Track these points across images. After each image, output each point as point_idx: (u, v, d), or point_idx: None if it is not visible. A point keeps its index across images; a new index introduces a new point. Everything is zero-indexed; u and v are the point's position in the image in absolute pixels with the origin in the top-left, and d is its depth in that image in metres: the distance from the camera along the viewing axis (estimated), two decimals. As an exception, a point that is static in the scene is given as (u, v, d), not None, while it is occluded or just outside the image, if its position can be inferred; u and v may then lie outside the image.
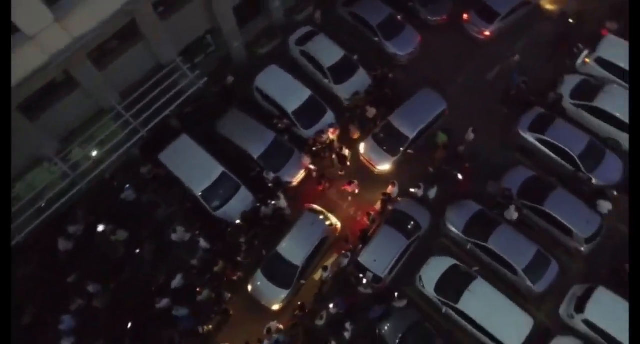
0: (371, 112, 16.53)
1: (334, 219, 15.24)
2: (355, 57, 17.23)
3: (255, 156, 15.43)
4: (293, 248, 14.36)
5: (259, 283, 14.41)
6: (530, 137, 15.96)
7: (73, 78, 13.62)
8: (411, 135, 15.80)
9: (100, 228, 14.40)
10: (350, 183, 15.53)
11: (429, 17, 18.30)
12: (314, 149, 15.81)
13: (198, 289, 14.22)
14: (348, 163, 16.07)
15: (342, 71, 16.80)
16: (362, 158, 16.35)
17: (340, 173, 16.21)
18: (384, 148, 15.95)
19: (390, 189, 15.32)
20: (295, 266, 14.18)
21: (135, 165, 15.51)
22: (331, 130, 15.98)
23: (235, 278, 14.78)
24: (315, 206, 15.44)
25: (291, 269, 14.18)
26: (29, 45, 11.67)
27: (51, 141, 14.23)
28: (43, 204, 13.98)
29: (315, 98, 16.32)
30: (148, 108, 14.88)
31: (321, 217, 15.04)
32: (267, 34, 18.53)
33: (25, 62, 11.79)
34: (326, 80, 16.95)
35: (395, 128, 15.87)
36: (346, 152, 15.94)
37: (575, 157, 15.22)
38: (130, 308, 13.93)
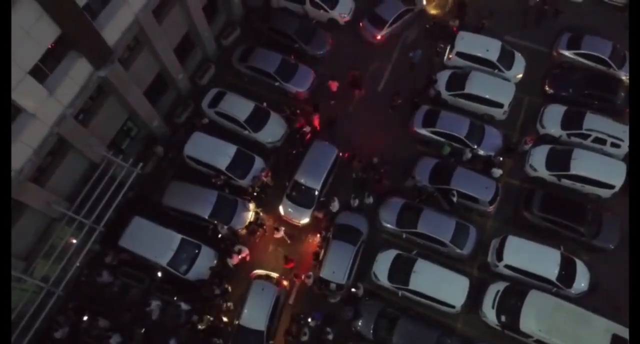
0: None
1: (275, 275, 16.79)
2: (265, 104, 19.37)
3: (206, 216, 17.10)
4: (253, 316, 15.69)
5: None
6: (424, 132, 18.83)
7: (22, 202, 14.68)
8: (318, 186, 17.56)
9: (84, 323, 15.45)
10: (277, 229, 17.16)
11: (315, 52, 20.88)
12: (254, 194, 17.80)
13: None
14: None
15: (257, 120, 18.86)
16: (284, 218, 17.81)
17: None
18: (300, 204, 17.60)
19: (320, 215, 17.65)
20: (260, 331, 15.51)
21: (101, 257, 16.75)
22: (264, 173, 18.04)
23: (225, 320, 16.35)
24: (260, 271, 16.94)
25: (257, 336, 15.52)
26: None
27: (15, 262, 15.12)
28: (24, 322, 14.68)
29: (241, 150, 18.20)
30: (97, 205, 16.11)
31: (267, 280, 16.52)
32: (181, 103, 20.26)
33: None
34: (246, 132, 18.94)
35: (303, 184, 17.59)
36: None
37: (463, 138, 18.29)
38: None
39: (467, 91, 19.01)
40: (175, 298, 16.13)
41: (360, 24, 21.14)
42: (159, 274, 16.63)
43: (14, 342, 14.71)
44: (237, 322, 15.76)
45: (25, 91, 13.07)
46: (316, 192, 17.50)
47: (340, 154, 18.35)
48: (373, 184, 18.26)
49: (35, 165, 14.53)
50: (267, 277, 16.73)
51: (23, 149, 13.81)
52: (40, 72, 13.58)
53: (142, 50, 17.47)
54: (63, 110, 14.62)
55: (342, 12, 21.46)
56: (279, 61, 19.98)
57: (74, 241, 15.79)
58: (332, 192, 18.05)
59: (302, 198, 17.51)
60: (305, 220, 17.57)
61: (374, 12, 20.90)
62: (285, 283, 16.79)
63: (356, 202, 17.76)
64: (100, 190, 16.38)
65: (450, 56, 20.16)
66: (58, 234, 15.79)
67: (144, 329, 15.98)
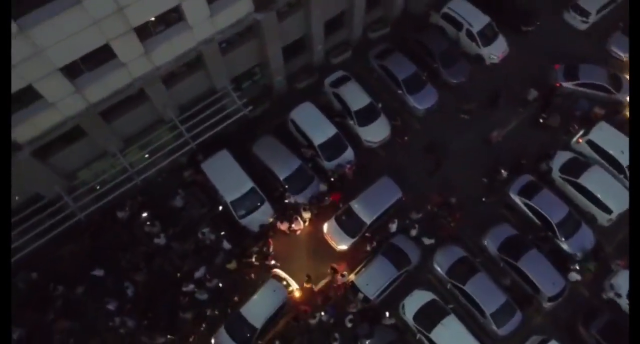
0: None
1: (295, 285, 16.48)
2: (380, 105, 19.58)
3: (281, 177, 17.68)
4: (255, 312, 15.58)
5: (220, 339, 15.55)
6: (518, 200, 18.03)
7: (145, 93, 16.23)
8: (368, 221, 17.10)
9: (143, 215, 16.88)
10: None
11: (449, 79, 20.70)
12: (331, 179, 18.10)
13: (209, 278, 16.38)
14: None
15: (366, 116, 19.11)
16: (325, 236, 17.61)
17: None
18: (344, 230, 17.28)
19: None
20: (255, 327, 15.40)
21: (180, 169, 18.03)
22: (348, 166, 18.31)
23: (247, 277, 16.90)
24: (280, 272, 16.65)
25: (251, 330, 15.40)
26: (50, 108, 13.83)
27: (118, 140, 16.75)
28: (99, 187, 16.47)
29: (339, 135, 18.59)
30: (199, 125, 17.36)
31: (284, 283, 16.26)
32: (306, 71, 21.05)
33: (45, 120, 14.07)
34: (351, 122, 19.30)
35: (355, 213, 17.24)
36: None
37: (554, 225, 17.26)
38: (161, 288, 16.32)
39: (581, 181, 17.85)
40: (222, 233, 16.95)
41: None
42: (220, 207, 17.55)
43: (90, 203, 16.35)
44: (238, 309, 15.66)
45: (193, 5, 14.24)
46: (365, 226, 17.15)
47: (403, 198, 17.78)
48: (440, 224, 17.86)
49: (169, 69, 15.77)
50: (285, 282, 16.38)
51: (169, 50, 15.00)
52: (213, -5, 14.64)
53: (299, 11, 18.22)
54: (214, 33, 15.72)
55: (494, 53, 21.03)
56: (411, 72, 20.00)
57: (168, 146, 17.08)
58: (397, 213, 17.76)
59: (349, 226, 17.21)
60: (344, 247, 17.27)
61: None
62: (297, 294, 16.41)
63: (415, 233, 17.50)
64: (208, 113, 17.57)
65: (580, 140, 19.01)
66: (159, 134, 17.17)
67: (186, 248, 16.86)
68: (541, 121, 19.62)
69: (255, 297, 15.84)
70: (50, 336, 15.74)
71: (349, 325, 15.90)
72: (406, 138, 19.49)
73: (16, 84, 12.46)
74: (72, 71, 13.52)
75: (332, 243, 17.41)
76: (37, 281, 16.46)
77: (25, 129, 13.79)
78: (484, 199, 18.42)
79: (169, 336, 15.74)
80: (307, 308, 16.30)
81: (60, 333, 15.72)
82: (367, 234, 17.32)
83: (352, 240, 17.10)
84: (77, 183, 16.66)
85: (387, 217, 17.52)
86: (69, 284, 16.41)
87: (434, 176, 18.68)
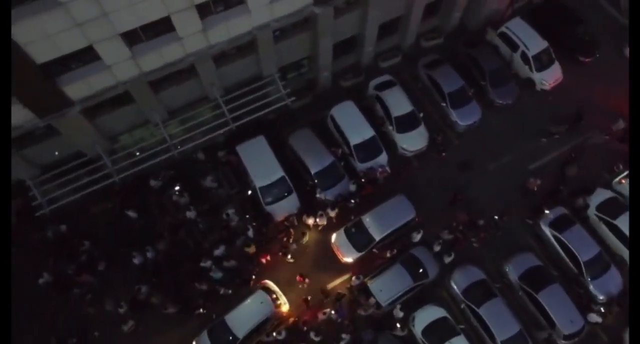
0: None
1: (283, 299, 16.08)
2: (421, 114, 19.27)
3: (313, 171, 17.61)
4: (239, 321, 15.29)
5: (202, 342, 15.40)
6: (548, 232, 17.40)
7: (195, 69, 16.45)
8: (378, 237, 16.67)
9: (175, 188, 17.18)
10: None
11: (495, 99, 20.18)
12: (362, 180, 17.92)
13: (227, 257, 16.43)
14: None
15: (406, 123, 18.83)
16: (332, 246, 17.25)
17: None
18: (352, 243, 16.83)
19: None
20: (237, 337, 15.11)
21: (216, 148, 18.19)
22: (380, 170, 18.12)
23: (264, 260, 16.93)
24: (271, 284, 16.29)
25: (232, 339, 15.13)
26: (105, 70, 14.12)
27: (162, 111, 17.03)
28: (138, 154, 16.86)
29: (376, 138, 18.36)
30: (241, 108, 17.50)
31: (273, 296, 15.85)
32: (353, 71, 20.93)
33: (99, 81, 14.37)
34: (390, 127, 19.07)
35: (365, 228, 16.80)
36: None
37: (582, 263, 16.57)
38: (180, 259, 16.61)
39: (617, 222, 17.10)
40: (247, 217, 17.06)
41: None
42: (249, 192, 17.65)
43: (127, 167, 16.76)
44: (223, 316, 15.44)
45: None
46: (374, 242, 16.77)
47: (417, 219, 17.33)
48: (461, 242, 17.45)
49: (222, 49, 15.89)
50: (274, 295, 16.01)
51: (225, 30, 15.11)
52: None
53: (356, 10, 18.06)
54: (270, 20, 15.75)
55: (546, 79, 20.37)
56: (458, 86, 19.58)
57: (208, 124, 17.33)
58: (422, 223, 17.44)
59: (357, 239, 16.82)
60: (349, 260, 16.91)
61: None
62: (283, 310, 15.98)
63: (438, 248, 17.15)
64: (251, 98, 17.69)
65: (623, 181, 18.24)
66: (201, 111, 17.40)
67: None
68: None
69: (241, 306, 15.61)
70: (71, 288, 16.25)
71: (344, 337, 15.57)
72: (444, 154, 19.15)
73: (79, 43, 12.82)
74: (131, 38, 13.80)
75: (338, 254, 17.07)
76: (65, 234, 16.99)
77: (80, 87, 14.17)
78: (496, 217, 17.79)
79: (176, 306, 15.97)
80: (307, 317, 16.00)
81: (80, 287, 16.20)
82: (374, 250, 16.95)
83: (359, 254, 16.76)
84: (118, 147, 17.07)
85: (396, 235, 17.07)
86: (95, 242, 16.85)
87: (453, 206, 18.12)
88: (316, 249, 17.46)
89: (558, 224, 17.32)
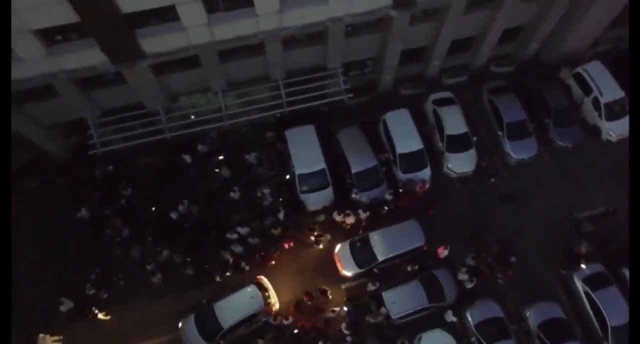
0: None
1: (275, 298, 15.94)
2: (475, 138, 18.61)
3: (353, 171, 17.44)
4: (227, 311, 15.23)
5: (187, 326, 15.37)
6: (580, 287, 16.41)
7: (263, 47, 16.62)
8: (381, 258, 16.27)
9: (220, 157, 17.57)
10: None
11: (555, 140, 19.15)
12: (400, 190, 17.59)
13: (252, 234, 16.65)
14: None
15: (457, 143, 18.27)
16: (334, 256, 16.89)
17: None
18: (354, 258, 16.45)
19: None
20: (221, 327, 15.07)
21: (265, 128, 18.43)
22: (420, 184, 17.71)
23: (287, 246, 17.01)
24: (265, 280, 16.13)
25: (217, 328, 15.08)
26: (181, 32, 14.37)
27: (223, 81, 17.35)
28: (192, 117, 17.35)
29: (423, 152, 17.91)
30: (299, 94, 17.59)
31: (266, 294, 15.70)
32: (415, 81, 20.56)
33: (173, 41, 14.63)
34: (440, 144, 18.54)
35: (370, 246, 16.41)
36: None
37: (609, 327, 15.51)
38: (209, 225, 17.00)
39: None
40: (280, 200, 17.17)
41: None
42: (287, 176, 17.74)
43: (179, 128, 17.25)
44: (213, 303, 15.44)
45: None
46: (376, 262, 16.36)
47: (425, 248, 16.69)
48: (487, 275, 16.77)
49: (292, 33, 15.88)
50: (266, 292, 15.81)
51: (300, 16, 15.11)
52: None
53: (432, 21, 17.74)
54: (346, 14, 15.65)
55: (614, 131, 19.15)
56: (519, 119, 18.80)
57: (264, 103, 17.60)
58: (450, 242, 16.84)
59: (360, 255, 16.43)
60: (348, 274, 16.53)
61: None
62: (273, 308, 15.82)
63: (463, 276, 16.49)
64: (310, 86, 17.72)
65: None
66: (260, 89, 17.63)
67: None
68: None
69: (231, 297, 15.53)
70: (104, 228, 16.91)
71: None
72: (492, 180, 18.46)
73: (165, 0, 13.22)
74: (211, 5, 14.08)
75: (338, 265, 16.73)
76: (112, 177, 17.70)
77: (155, 42, 14.59)
78: (562, 272, 16.97)
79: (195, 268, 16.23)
80: (304, 322, 15.72)
81: (112, 229, 16.81)
82: (374, 270, 16.47)
83: (359, 270, 16.39)
84: (175, 106, 17.54)
85: (400, 260, 16.55)
86: (136, 190, 17.47)
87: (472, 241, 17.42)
88: (322, 253, 17.25)
89: (593, 281, 16.27)
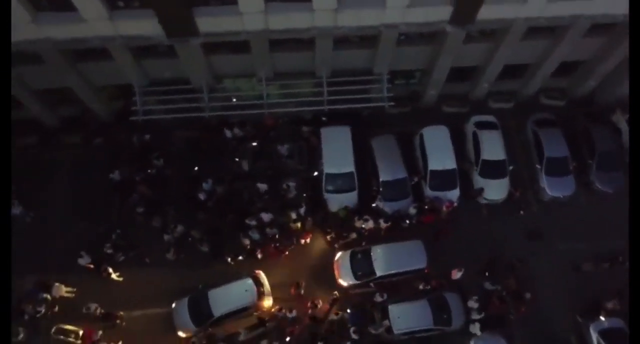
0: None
1: (268, 295, 15.73)
2: (511, 167, 17.97)
3: (381, 179, 17.20)
4: (220, 300, 15.26)
5: (179, 307, 15.53)
6: (594, 339, 15.64)
7: (314, 43, 16.54)
8: (379, 273, 15.98)
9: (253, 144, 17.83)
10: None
11: (595, 183, 18.30)
12: (425, 207, 17.17)
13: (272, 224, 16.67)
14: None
15: (492, 169, 17.71)
16: (334, 263, 16.64)
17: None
18: (353, 270, 16.18)
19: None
20: (212, 314, 15.14)
21: (301, 122, 18.53)
22: (447, 204, 17.23)
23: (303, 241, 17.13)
24: (262, 276, 15.97)
25: (208, 314, 15.16)
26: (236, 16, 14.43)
27: (269, 70, 17.48)
28: (234, 100, 17.60)
29: (455, 173, 17.50)
30: (341, 94, 17.50)
31: (261, 289, 15.59)
32: (460, 99, 20.11)
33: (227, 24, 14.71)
34: (474, 168, 17.98)
35: (371, 260, 16.09)
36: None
37: (620, 387, 14.74)
38: (231, 207, 17.22)
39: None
40: (304, 195, 17.19)
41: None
42: (315, 173, 17.71)
43: (220, 108, 17.54)
44: (208, 290, 15.47)
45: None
46: (374, 276, 16.08)
47: (426, 270, 16.22)
48: (498, 308, 16.18)
49: (345, 33, 15.77)
50: (261, 288, 15.68)
51: (355, 17, 14.93)
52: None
53: (487, 42, 17.28)
54: (401, 22, 15.34)
55: (661, 183, 18.19)
56: (562, 155, 18.09)
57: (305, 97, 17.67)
58: (466, 262, 16.41)
59: (359, 267, 16.15)
60: (343, 283, 16.30)
61: None
62: (264, 306, 15.67)
63: (475, 306, 15.95)
64: (353, 89, 17.56)
65: None
66: (303, 83, 17.68)
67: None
68: None
69: (226, 287, 15.55)
70: (131, 193, 17.35)
71: None
72: (522, 212, 17.88)
73: (229, -17, 13.51)
74: (268, -6, 14.20)
75: (336, 273, 16.49)
76: (147, 143, 18.15)
77: (210, 22, 14.77)
78: (579, 319, 16.27)
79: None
80: (293, 329, 15.50)
81: (138, 195, 17.22)
82: (371, 284, 16.20)
83: (355, 282, 16.13)
84: (219, 87, 17.77)
85: (399, 278, 16.20)
86: (168, 162, 17.88)
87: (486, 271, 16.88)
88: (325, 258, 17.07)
89: (609, 336, 15.41)
